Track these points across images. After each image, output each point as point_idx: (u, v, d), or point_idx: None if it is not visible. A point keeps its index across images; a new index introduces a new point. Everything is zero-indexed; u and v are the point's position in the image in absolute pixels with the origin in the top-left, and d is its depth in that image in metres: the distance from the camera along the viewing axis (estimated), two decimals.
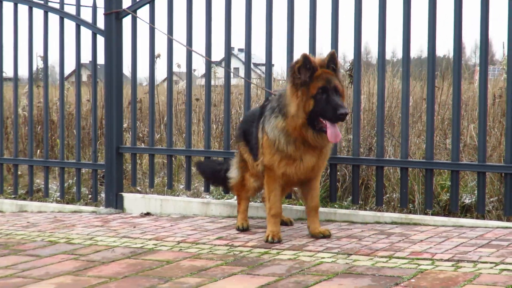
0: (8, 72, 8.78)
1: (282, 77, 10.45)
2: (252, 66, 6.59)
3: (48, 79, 7.42)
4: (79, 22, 6.86)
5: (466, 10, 5.37)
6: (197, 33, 6.44)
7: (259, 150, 4.96)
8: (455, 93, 5.34)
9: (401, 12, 5.51)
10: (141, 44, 6.70)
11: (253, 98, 9.22)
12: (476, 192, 6.09)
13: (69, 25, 6.90)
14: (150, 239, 4.99)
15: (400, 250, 4.28)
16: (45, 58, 7.15)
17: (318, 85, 4.51)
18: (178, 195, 7.17)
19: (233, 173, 5.45)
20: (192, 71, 6.58)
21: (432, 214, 5.79)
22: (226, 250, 4.50)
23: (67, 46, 6.99)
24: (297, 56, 4.70)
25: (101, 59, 6.79)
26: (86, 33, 6.85)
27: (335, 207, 6.08)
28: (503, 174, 5.61)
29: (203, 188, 7.39)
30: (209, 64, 6.35)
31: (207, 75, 6.39)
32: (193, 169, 6.65)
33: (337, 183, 6.34)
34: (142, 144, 9.00)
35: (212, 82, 11.14)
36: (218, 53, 15.56)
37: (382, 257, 4.13)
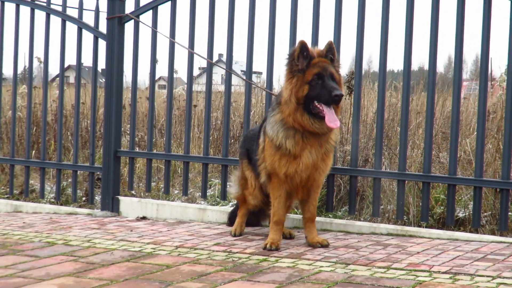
0: (6, 73, 8.79)
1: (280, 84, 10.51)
2: (240, 73, 6.63)
3: (47, 81, 7.44)
4: (81, 25, 6.88)
5: (467, 24, 5.44)
6: (199, 39, 6.50)
7: (260, 156, 5.00)
8: (454, 109, 5.40)
9: (402, 24, 5.57)
10: (141, 50, 6.74)
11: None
12: (469, 206, 6.17)
13: (71, 28, 6.95)
14: (148, 243, 5.02)
15: (398, 261, 4.33)
16: (45, 60, 7.17)
17: (313, 71, 4.61)
18: (173, 200, 7.19)
19: (234, 189, 5.53)
20: (193, 76, 6.60)
21: (426, 227, 5.85)
22: (225, 256, 4.53)
23: (67, 49, 7.04)
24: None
25: (102, 63, 6.83)
26: (87, 37, 6.89)
27: (330, 217, 6.13)
28: (497, 190, 5.68)
29: (198, 194, 7.43)
30: (210, 70, 6.39)
31: (208, 80, 6.43)
32: (190, 175, 6.68)
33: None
34: (137, 148, 9.02)
35: (197, 88, 11.21)
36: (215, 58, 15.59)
37: (380, 267, 4.17)
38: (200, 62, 9.26)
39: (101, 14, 6.78)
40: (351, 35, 5.82)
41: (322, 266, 4.22)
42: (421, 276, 3.92)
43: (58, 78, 7.45)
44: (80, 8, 6.90)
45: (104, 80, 6.84)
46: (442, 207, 6.13)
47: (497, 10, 5.36)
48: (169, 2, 6.44)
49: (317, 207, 5.99)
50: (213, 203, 7.09)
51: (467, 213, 6.08)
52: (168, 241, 5.12)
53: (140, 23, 6.61)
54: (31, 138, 7.51)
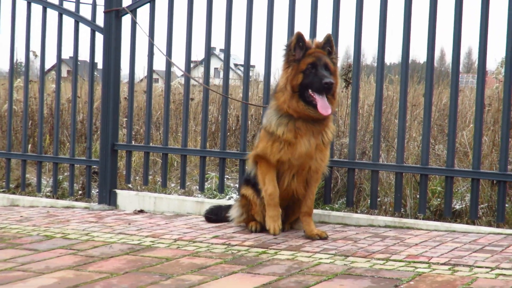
0: (1, 67, 8.78)
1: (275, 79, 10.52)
2: (232, 66, 6.64)
3: (44, 75, 7.42)
4: (78, 19, 6.87)
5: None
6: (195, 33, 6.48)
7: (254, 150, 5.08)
8: (452, 102, 5.41)
9: (400, 15, 5.58)
10: (139, 43, 6.74)
11: None
12: (466, 198, 6.20)
13: (68, 21, 6.93)
14: (146, 236, 5.02)
15: (396, 253, 4.35)
16: (42, 54, 7.15)
17: (308, 61, 4.78)
18: (170, 193, 7.20)
19: (234, 211, 5.39)
20: (190, 69, 6.59)
21: (423, 219, 5.87)
22: (224, 249, 4.54)
23: (64, 42, 7.03)
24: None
25: (99, 57, 6.82)
26: (84, 30, 6.88)
27: (327, 209, 6.14)
28: (495, 182, 5.71)
29: (195, 187, 7.45)
30: (208, 61, 6.38)
31: (206, 73, 6.42)
32: (188, 168, 6.69)
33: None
34: (133, 141, 9.02)
35: (193, 82, 11.18)
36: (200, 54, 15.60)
37: (379, 259, 4.19)
38: (197, 56, 9.29)
39: (98, 8, 6.76)
40: (347, 29, 5.83)
41: (321, 258, 4.23)
42: (420, 268, 3.94)
43: (53, 72, 7.44)
44: (77, 2, 6.88)
45: (98, 73, 6.83)
46: (439, 199, 6.16)
47: (495, 2, 5.37)
48: None
49: (315, 200, 6.03)
50: (210, 196, 7.11)
51: (463, 205, 6.10)
52: (167, 234, 5.13)
53: (134, 18, 6.59)
54: (27, 131, 7.49)
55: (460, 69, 5.47)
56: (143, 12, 6.61)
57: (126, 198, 6.67)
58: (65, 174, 8.34)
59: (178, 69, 6.54)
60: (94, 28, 6.78)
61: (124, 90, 9.49)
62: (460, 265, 3.99)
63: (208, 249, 4.54)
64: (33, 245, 4.73)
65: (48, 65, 7.58)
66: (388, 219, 5.57)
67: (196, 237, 4.99)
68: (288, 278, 3.75)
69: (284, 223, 5.18)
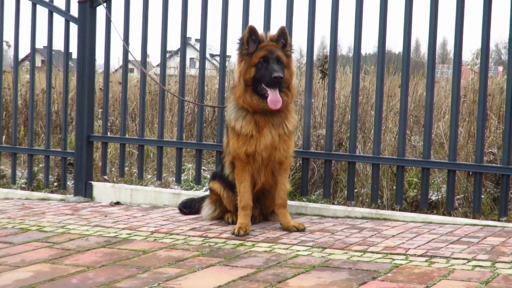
0: None
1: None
2: (208, 56, 6.63)
3: (18, 65, 7.33)
4: (52, 9, 6.80)
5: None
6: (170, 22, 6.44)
7: (225, 151, 5.14)
8: (428, 93, 5.43)
9: (376, 7, 5.59)
10: (113, 33, 6.68)
11: None
12: (442, 189, 6.22)
13: (42, 11, 6.85)
14: (123, 229, 4.99)
15: (374, 245, 4.35)
16: (15, 44, 7.06)
17: (260, 54, 4.80)
18: (146, 185, 7.16)
19: (207, 210, 5.41)
20: (166, 59, 6.55)
21: (400, 210, 5.89)
22: (201, 241, 4.52)
23: (38, 32, 6.96)
24: None
25: (73, 46, 6.76)
26: (59, 20, 6.80)
27: (304, 201, 6.15)
28: (471, 173, 5.74)
29: (171, 179, 7.42)
30: (184, 52, 6.35)
31: (182, 63, 6.38)
32: (165, 159, 6.65)
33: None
34: (109, 132, 8.96)
35: (168, 72, 11.13)
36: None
37: (356, 251, 4.19)
38: (171, 46, 9.23)
39: None
40: (322, 20, 5.82)
41: (299, 251, 4.23)
42: (397, 260, 3.95)
43: (27, 62, 7.36)
44: None
45: (73, 63, 6.77)
46: (415, 191, 6.18)
47: None
48: None
49: (291, 192, 6.02)
50: (187, 187, 7.08)
51: (440, 196, 6.13)
52: (143, 226, 5.10)
53: (107, 10, 6.53)
54: (1, 123, 7.40)
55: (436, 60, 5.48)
56: (118, 1, 6.56)
57: (102, 190, 6.62)
58: (40, 165, 8.27)
59: (137, 63, 6.49)
60: (68, 19, 6.71)
61: (99, 80, 9.40)
62: (437, 257, 4.00)
63: (185, 242, 4.52)
64: (8, 238, 4.68)
65: (22, 55, 7.47)
66: (365, 211, 5.58)
67: (173, 229, 4.97)
68: (266, 271, 3.74)
69: (255, 215, 5.18)
